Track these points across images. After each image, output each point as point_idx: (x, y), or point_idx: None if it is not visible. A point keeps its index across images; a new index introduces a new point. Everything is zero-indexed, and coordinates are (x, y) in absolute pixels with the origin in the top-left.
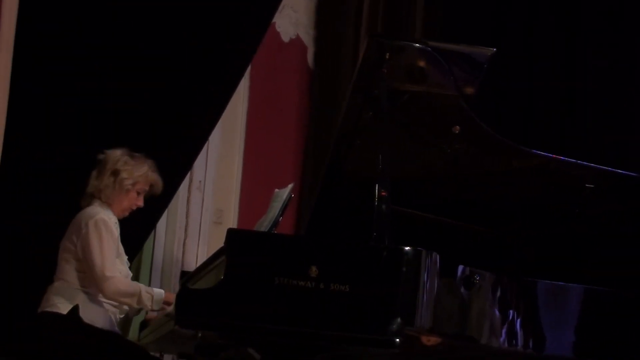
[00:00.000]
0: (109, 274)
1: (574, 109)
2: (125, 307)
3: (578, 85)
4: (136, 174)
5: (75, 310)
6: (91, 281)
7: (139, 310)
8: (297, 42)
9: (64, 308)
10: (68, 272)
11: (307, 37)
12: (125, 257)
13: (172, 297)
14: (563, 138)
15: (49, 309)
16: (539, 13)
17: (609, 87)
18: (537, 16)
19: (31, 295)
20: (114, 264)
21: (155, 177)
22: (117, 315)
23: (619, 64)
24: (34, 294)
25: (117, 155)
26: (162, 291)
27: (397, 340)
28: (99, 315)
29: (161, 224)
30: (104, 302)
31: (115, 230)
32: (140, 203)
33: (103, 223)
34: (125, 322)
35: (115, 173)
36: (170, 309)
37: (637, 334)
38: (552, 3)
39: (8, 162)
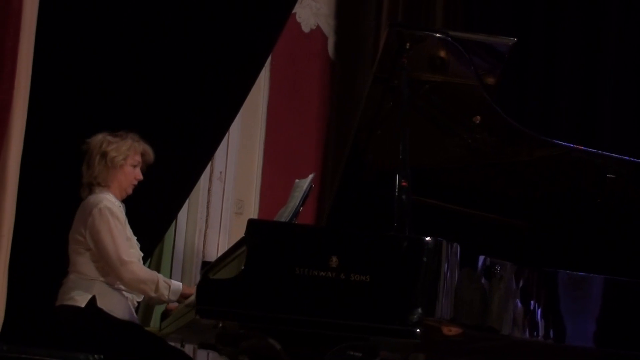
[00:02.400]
0: (126, 258)
1: (594, 99)
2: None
3: (599, 76)
4: (123, 148)
5: (93, 302)
6: (107, 269)
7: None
8: (317, 32)
9: (81, 300)
10: (81, 263)
11: (328, 27)
12: (135, 239)
13: (190, 291)
14: (584, 128)
15: (66, 303)
16: (560, 3)
17: (630, 78)
18: (559, 6)
19: (48, 288)
20: (127, 249)
21: (142, 146)
22: (134, 301)
23: None
24: (51, 287)
25: (98, 138)
26: (180, 284)
27: (418, 330)
28: (117, 303)
29: (182, 215)
30: (121, 289)
31: (121, 214)
32: (139, 176)
33: (108, 210)
34: (146, 312)
35: (104, 155)
36: (192, 299)
37: None
38: None
39: (26, 158)
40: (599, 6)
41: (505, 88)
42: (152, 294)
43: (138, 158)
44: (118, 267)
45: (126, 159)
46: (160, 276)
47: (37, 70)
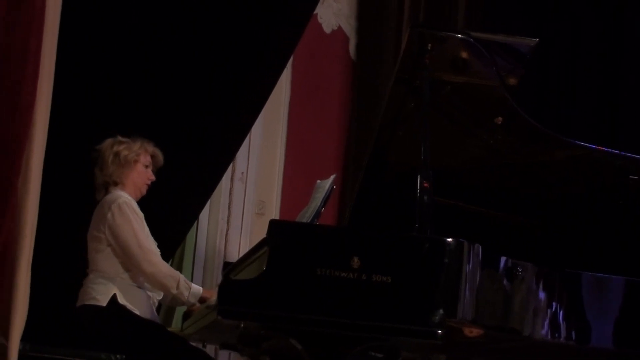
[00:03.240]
0: (147, 248)
1: (616, 100)
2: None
3: (621, 77)
4: (134, 147)
5: (114, 300)
6: (127, 264)
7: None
8: (339, 33)
9: (102, 299)
10: (100, 261)
11: (349, 28)
12: (152, 238)
13: (209, 294)
14: (605, 130)
15: (87, 302)
16: (582, 3)
17: None
18: (580, 6)
19: (70, 288)
20: (148, 241)
21: (152, 147)
22: (155, 298)
23: None
24: (73, 287)
25: (109, 142)
26: (200, 287)
27: (439, 331)
28: (138, 299)
29: (204, 215)
30: (142, 285)
31: (139, 210)
32: (152, 177)
33: (126, 205)
34: (168, 312)
35: (116, 154)
36: (213, 300)
37: None
38: None
39: (48, 159)
40: (620, 7)
41: (526, 89)
42: (173, 291)
43: (149, 158)
44: (139, 259)
45: (138, 156)
46: (182, 276)
47: (59, 72)
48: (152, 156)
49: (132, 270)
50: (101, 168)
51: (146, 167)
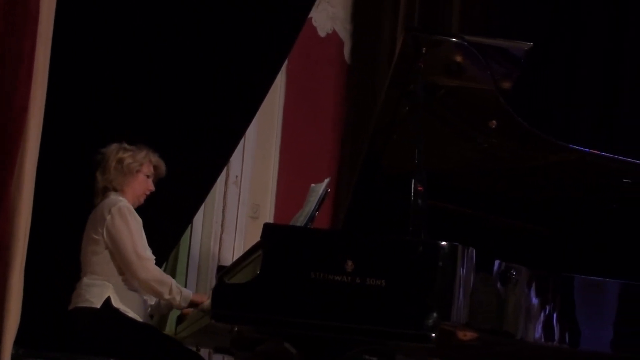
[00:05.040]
0: (143, 254)
1: (615, 103)
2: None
3: (620, 77)
4: (139, 156)
5: (108, 302)
6: (122, 267)
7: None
8: (333, 36)
9: (96, 301)
10: (96, 263)
11: (344, 32)
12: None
13: (198, 298)
14: (605, 134)
15: (81, 304)
16: (581, 4)
17: None
18: (580, 7)
19: (63, 291)
20: (145, 247)
21: (156, 158)
22: (148, 302)
23: None
24: (66, 290)
25: (114, 147)
26: (191, 292)
27: (433, 335)
28: (132, 302)
29: (198, 219)
30: (136, 289)
31: (138, 216)
32: (152, 187)
33: (126, 209)
34: (162, 316)
35: (120, 161)
36: (207, 304)
37: None
38: None
39: (41, 163)
40: (620, 9)
41: (525, 92)
42: (166, 296)
43: (152, 169)
44: (134, 264)
45: (142, 166)
46: (173, 280)
47: (53, 75)
48: (155, 167)
49: (127, 273)
50: (103, 172)
51: (147, 177)
